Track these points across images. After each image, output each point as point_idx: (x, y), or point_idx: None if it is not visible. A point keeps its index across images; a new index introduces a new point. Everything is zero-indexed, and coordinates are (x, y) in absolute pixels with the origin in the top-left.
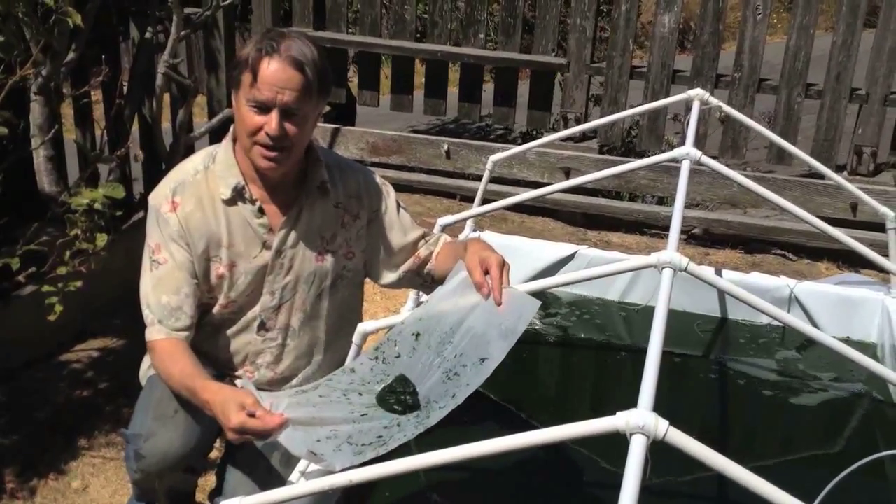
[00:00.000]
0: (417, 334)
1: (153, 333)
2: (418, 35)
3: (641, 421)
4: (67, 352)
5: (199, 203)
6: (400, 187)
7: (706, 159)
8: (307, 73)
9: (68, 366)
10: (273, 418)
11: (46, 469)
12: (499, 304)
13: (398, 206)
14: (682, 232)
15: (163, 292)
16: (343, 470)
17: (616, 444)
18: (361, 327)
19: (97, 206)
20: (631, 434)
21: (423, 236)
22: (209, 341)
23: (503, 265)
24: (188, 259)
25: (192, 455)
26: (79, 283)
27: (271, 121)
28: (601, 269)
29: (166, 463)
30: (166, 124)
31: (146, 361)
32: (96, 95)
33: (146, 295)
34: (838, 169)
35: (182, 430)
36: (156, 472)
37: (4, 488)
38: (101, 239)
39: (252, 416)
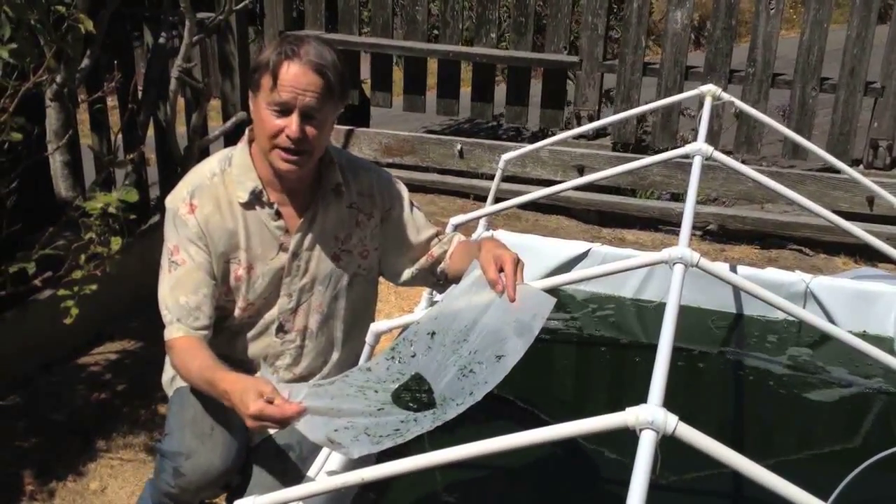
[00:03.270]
0: (433, 333)
1: (172, 332)
2: (434, 33)
3: (650, 416)
4: (85, 355)
5: (217, 206)
6: (414, 187)
7: (718, 155)
8: (328, 76)
9: (86, 369)
10: (291, 406)
11: (65, 471)
12: (513, 301)
13: (411, 204)
14: (698, 228)
15: (181, 293)
16: (360, 465)
17: (633, 440)
18: (374, 327)
19: (112, 209)
20: (640, 430)
21: (436, 235)
22: (228, 346)
23: (517, 262)
24: (207, 260)
25: (232, 471)
26: (94, 287)
27: (292, 123)
28: (612, 266)
29: (207, 480)
30: (182, 128)
31: (168, 370)
32: (113, 101)
33: (164, 296)
34: (854, 163)
35: (221, 448)
36: (195, 490)
37: (24, 490)
38: (116, 242)
39: (270, 402)
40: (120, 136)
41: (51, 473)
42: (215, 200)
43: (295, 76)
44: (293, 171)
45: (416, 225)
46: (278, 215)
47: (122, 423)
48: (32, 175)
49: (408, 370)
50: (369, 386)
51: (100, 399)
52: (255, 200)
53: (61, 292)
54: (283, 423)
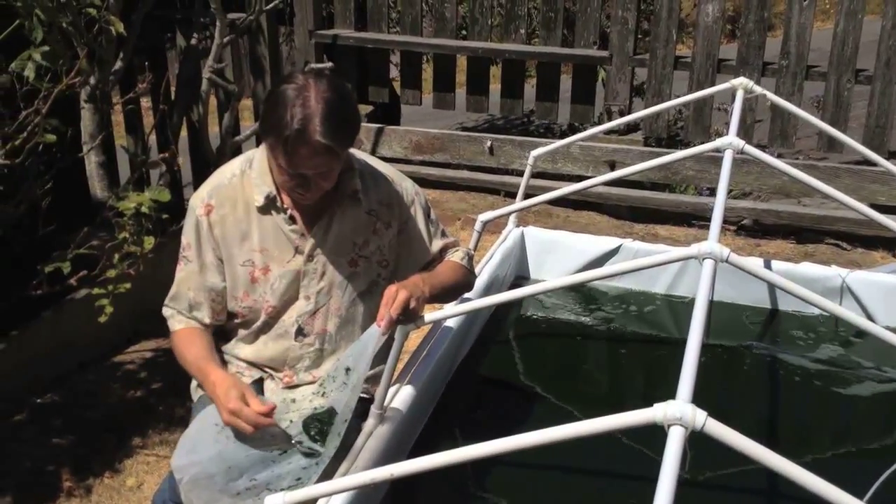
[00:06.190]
0: (348, 369)
1: (174, 324)
2: (463, 31)
3: (679, 412)
4: (120, 353)
5: (234, 207)
6: (444, 184)
7: (749, 148)
8: (337, 150)
9: (121, 367)
10: (261, 419)
11: (101, 468)
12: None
13: (427, 217)
14: (733, 223)
15: (185, 287)
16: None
17: (665, 436)
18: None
19: (144, 209)
20: (668, 426)
21: (445, 248)
22: (249, 349)
23: (395, 294)
24: (212, 263)
25: None
26: (128, 285)
27: (305, 186)
28: (640, 262)
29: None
30: (215, 129)
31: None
32: (148, 102)
33: (173, 287)
34: (891, 155)
35: None
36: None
37: (61, 487)
38: (149, 242)
39: (247, 405)
40: (153, 136)
41: (88, 470)
42: (232, 202)
43: (305, 159)
44: (307, 202)
45: (430, 237)
46: (292, 220)
47: (158, 421)
48: (67, 176)
49: (327, 404)
50: (288, 417)
51: (135, 397)
52: (269, 205)
53: (96, 291)
54: (254, 425)
